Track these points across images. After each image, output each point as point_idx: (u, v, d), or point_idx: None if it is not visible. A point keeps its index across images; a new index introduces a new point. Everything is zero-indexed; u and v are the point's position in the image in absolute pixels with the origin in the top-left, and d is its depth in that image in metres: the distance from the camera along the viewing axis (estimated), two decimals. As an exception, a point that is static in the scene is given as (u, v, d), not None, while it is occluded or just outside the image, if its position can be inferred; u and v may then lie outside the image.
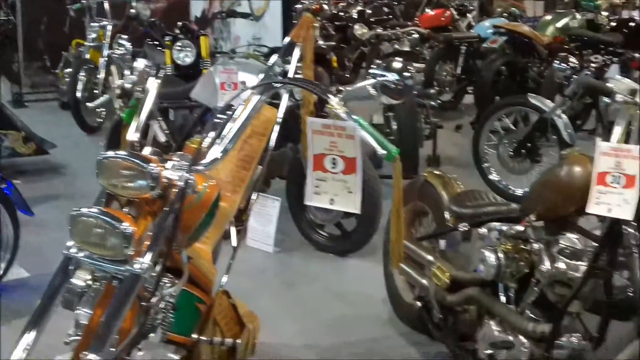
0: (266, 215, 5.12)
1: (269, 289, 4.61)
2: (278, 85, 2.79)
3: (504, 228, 3.18)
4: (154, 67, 2.58)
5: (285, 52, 3.86)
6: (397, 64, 3.15)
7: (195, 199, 2.27)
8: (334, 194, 2.58)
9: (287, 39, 3.84)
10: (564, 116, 5.73)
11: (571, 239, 3.00)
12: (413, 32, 8.95)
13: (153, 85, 2.48)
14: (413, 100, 6.15)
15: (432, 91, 6.81)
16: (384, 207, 4.80)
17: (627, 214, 2.65)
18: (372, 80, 2.90)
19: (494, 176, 6.29)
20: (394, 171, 2.44)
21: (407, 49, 7.62)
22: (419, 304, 3.70)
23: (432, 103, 6.68)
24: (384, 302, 4.17)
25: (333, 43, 8.18)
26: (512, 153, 6.05)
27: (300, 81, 2.98)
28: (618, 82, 3.05)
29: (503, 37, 8.57)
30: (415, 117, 6.15)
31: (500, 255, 3.11)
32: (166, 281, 2.43)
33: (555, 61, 6.18)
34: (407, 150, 6.05)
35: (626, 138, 2.93)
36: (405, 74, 2.97)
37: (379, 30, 10.01)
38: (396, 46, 7.61)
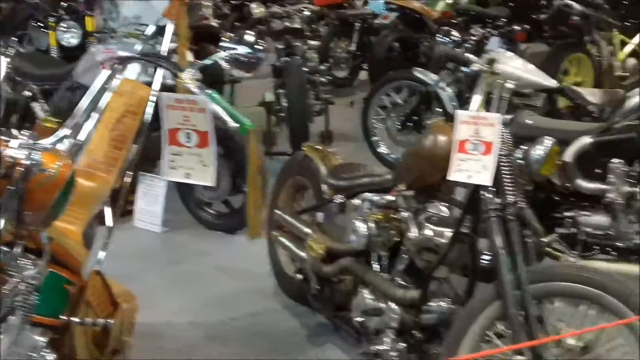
0: (153, 195, 5.08)
1: (155, 268, 4.58)
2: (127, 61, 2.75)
3: (376, 198, 3.25)
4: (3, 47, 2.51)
5: (161, 31, 3.82)
6: (249, 37, 3.15)
7: (46, 177, 2.24)
8: (190, 168, 2.58)
9: (160, 17, 3.79)
10: (448, 89, 5.85)
11: (438, 206, 3.08)
12: (305, 9, 8.97)
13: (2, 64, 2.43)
14: (303, 76, 6.17)
15: (322, 67, 6.83)
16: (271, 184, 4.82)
17: (486, 179, 2.74)
18: (223, 54, 2.89)
19: (382, 149, 6.38)
20: (249, 144, 2.45)
21: (297, 26, 7.64)
22: (299, 276, 3.74)
23: (323, 79, 6.70)
24: (271, 276, 4.20)
25: (220, 21, 8.08)
26: (399, 126, 6.15)
27: (149, 56, 2.94)
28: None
29: (394, 13, 8.65)
30: (304, 94, 6.18)
31: (371, 224, 3.18)
32: (27, 262, 2.39)
33: (438, 35, 6.29)
34: (297, 126, 6.09)
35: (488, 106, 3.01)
36: (257, 47, 2.98)
37: (276, 8, 9.96)
38: (286, 24, 7.61)
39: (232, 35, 3.93)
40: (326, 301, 3.55)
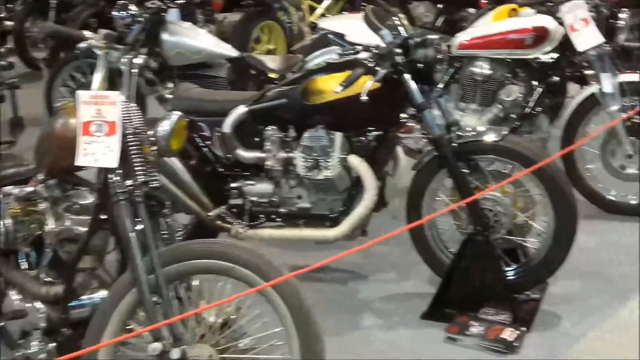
0: None
1: None
2: None
3: (15, 191, 2.99)
4: None
5: None
6: None
7: None
8: None
9: None
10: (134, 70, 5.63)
11: (81, 193, 2.91)
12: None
13: None
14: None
15: (2, 50, 6.35)
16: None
17: (112, 161, 2.59)
18: None
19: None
20: None
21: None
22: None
23: (3, 62, 6.24)
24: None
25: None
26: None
27: None
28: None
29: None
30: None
31: (8, 220, 2.93)
32: None
33: (114, 10, 6.00)
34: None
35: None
36: None
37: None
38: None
39: None
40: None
